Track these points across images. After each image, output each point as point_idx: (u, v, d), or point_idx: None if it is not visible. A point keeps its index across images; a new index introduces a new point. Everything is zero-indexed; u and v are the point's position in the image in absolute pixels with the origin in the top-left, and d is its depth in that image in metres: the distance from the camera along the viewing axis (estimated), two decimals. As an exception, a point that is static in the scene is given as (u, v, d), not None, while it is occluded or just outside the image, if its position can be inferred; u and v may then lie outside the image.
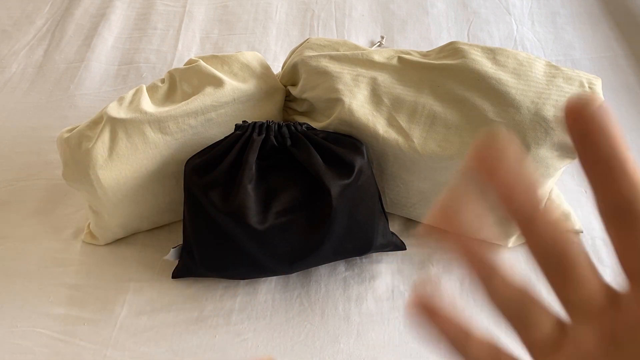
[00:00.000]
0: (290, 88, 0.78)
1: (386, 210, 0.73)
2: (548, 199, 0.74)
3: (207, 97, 0.70)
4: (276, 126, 0.67)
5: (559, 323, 0.20)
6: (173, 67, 1.00)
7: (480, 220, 0.20)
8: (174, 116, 0.69)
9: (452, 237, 0.20)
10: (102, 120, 0.69)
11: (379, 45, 1.10)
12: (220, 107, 0.71)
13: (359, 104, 0.70)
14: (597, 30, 1.12)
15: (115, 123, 0.68)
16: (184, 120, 0.70)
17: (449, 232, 0.20)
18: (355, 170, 0.64)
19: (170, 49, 1.11)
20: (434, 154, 0.67)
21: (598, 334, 0.19)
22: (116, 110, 0.69)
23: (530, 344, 0.21)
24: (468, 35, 1.12)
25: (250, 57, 0.77)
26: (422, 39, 1.11)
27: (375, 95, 0.70)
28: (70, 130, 0.72)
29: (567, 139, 0.63)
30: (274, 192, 0.65)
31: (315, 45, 0.78)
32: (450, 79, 0.69)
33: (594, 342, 0.19)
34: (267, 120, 0.67)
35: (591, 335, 0.19)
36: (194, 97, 0.71)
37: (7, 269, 0.76)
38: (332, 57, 0.74)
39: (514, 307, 0.20)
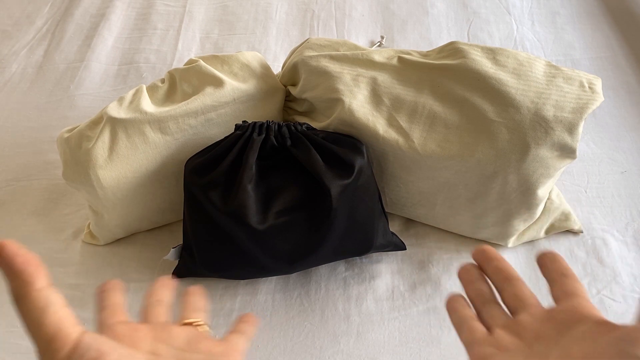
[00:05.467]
0: (290, 88, 0.78)
1: (386, 210, 0.73)
2: (548, 198, 0.74)
3: (207, 97, 0.70)
4: (276, 126, 0.67)
5: (506, 315, 0.35)
6: (173, 67, 1.00)
7: None
8: (174, 116, 0.69)
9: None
10: (102, 120, 0.69)
11: (379, 45, 1.10)
12: (220, 107, 0.71)
13: (359, 104, 0.70)
14: (597, 30, 1.12)
15: (115, 123, 0.68)
16: (184, 120, 0.70)
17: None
18: (355, 170, 0.64)
19: (170, 49, 1.12)
20: (434, 154, 0.67)
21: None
22: (116, 110, 0.69)
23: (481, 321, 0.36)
24: (468, 35, 1.12)
25: (250, 57, 0.77)
26: (422, 39, 1.11)
27: (375, 95, 0.70)
28: (70, 130, 0.72)
29: (566, 139, 0.63)
30: (274, 192, 0.65)
31: (315, 45, 0.78)
32: (450, 79, 0.69)
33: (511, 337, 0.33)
34: (267, 120, 0.67)
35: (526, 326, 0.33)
36: (194, 97, 0.71)
37: (7, 269, 0.76)
38: (332, 57, 0.74)
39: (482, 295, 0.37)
